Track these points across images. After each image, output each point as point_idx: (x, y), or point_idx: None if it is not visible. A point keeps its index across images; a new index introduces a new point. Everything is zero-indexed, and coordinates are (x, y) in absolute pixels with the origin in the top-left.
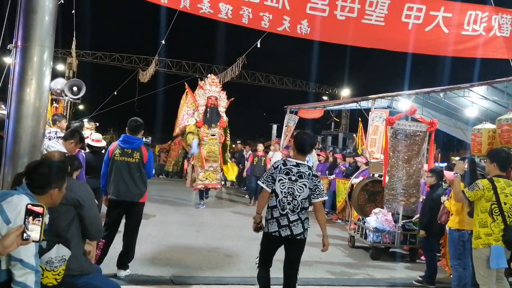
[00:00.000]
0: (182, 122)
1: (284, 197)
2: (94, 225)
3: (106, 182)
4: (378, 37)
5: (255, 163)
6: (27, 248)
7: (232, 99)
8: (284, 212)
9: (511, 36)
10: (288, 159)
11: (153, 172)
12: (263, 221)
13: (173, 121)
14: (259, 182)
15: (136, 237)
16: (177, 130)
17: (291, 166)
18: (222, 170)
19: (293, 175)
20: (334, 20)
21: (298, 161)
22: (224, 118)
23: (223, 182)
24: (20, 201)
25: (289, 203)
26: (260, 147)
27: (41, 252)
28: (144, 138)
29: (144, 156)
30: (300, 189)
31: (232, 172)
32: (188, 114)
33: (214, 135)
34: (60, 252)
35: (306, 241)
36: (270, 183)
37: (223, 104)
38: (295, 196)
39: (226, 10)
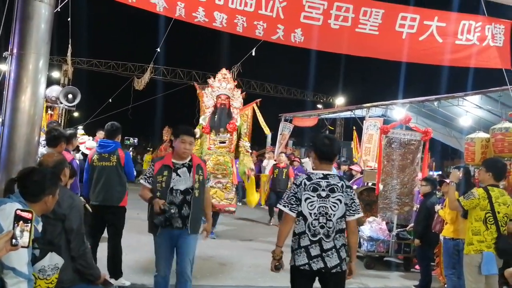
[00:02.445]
0: None
1: (315, 219)
2: (76, 239)
3: (89, 189)
4: (372, 46)
5: (275, 176)
6: (20, 256)
7: (259, 100)
8: (317, 239)
9: (504, 46)
10: (312, 171)
11: (134, 173)
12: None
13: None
14: (279, 206)
15: (119, 241)
16: None
17: (318, 180)
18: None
19: (323, 190)
20: (328, 29)
21: (325, 172)
22: (237, 120)
23: (239, 204)
24: (12, 210)
25: (322, 227)
26: (283, 157)
27: (34, 260)
28: (131, 139)
29: (121, 159)
30: (335, 207)
31: (252, 195)
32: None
33: (223, 143)
34: (53, 260)
35: (345, 274)
36: (294, 205)
37: (236, 104)
38: (330, 216)
39: (221, 19)
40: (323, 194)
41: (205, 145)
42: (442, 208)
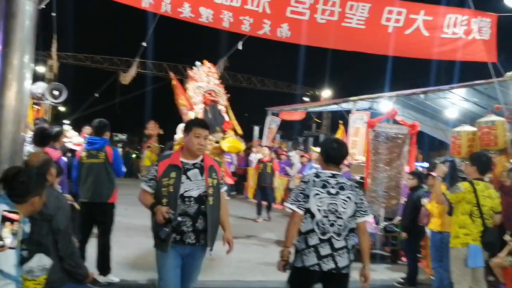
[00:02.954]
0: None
1: (324, 216)
2: (63, 240)
3: (78, 186)
4: (359, 40)
5: (261, 171)
6: (7, 258)
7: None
8: (326, 237)
9: (490, 39)
10: (320, 170)
11: (123, 169)
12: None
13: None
14: (286, 204)
15: (108, 238)
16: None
17: (327, 178)
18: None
19: (332, 187)
20: (315, 23)
21: (333, 172)
22: (227, 118)
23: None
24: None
25: (332, 225)
26: (266, 150)
27: (22, 261)
28: (119, 134)
29: (109, 155)
30: (345, 204)
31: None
32: (184, 114)
33: (218, 143)
34: (41, 261)
35: (349, 277)
36: (302, 202)
37: (223, 102)
38: (340, 214)
39: (207, 15)
40: (333, 191)
41: None
42: (429, 201)
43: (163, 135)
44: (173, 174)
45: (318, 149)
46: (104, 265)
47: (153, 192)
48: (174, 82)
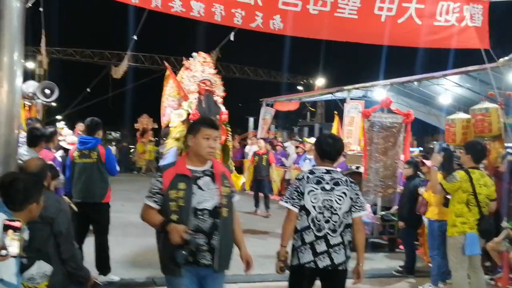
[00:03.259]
0: (165, 118)
1: (319, 213)
2: (65, 243)
3: (71, 186)
4: (352, 30)
5: (256, 164)
6: (8, 267)
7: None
8: (322, 234)
9: (482, 26)
10: (315, 167)
11: (117, 169)
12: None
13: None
14: (281, 203)
15: (105, 238)
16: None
17: (321, 174)
18: None
19: (327, 183)
20: (307, 14)
21: (328, 168)
22: (223, 109)
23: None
24: None
25: (327, 221)
26: (261, 143)
27: (22, 268)
28: (113, 133)
29: (102, 155)
30: (340, 200)
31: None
32: (171, 107)
33: None
34: (41, 268)
35: (347, 274)
36: (296, 200)
37: (219, 92)
38: (335, 210)
39: (198, 8)
40: (327, 187)
41: None
42: (426, 190)
43: (157, 129)
44: (181, 185)
45: (311, 140)
46: (103, 265)
47: (159, 208)
48: (168, 72)
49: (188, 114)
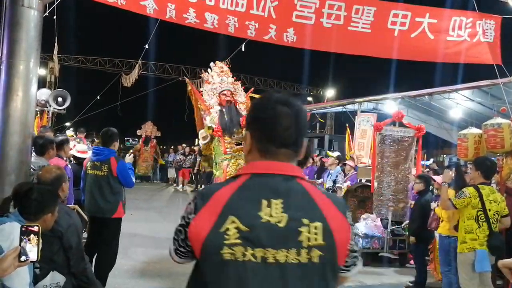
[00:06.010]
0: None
1: None
2: (75, 257)
3: (85, 196)
4: (365, 44)
5: None
6: (21, 277)
7: (252, 89)
8: None
9: (494, 42)
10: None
11: (133, 181)
12: None
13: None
14: None
15: (108, 255)
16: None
17: None
18: None
19: None
20: (321, 27)
21: None
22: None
23: None
24: (12, 230)
25: None
26: None
27: (36, 279)
28: (130, 139)
29: (113, 168)
30: None
31: None
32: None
33: (240, 144)
34: (54, 279)
35: None
36: None
37: (241, 99)
38: None
39: (212, 20)
40: None
41: (219, 149)
42: (438, 205)
43: (161, 136)
44: None
45: (334, 154)
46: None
47: None
48: (190, 87)
49: (212, 129)
